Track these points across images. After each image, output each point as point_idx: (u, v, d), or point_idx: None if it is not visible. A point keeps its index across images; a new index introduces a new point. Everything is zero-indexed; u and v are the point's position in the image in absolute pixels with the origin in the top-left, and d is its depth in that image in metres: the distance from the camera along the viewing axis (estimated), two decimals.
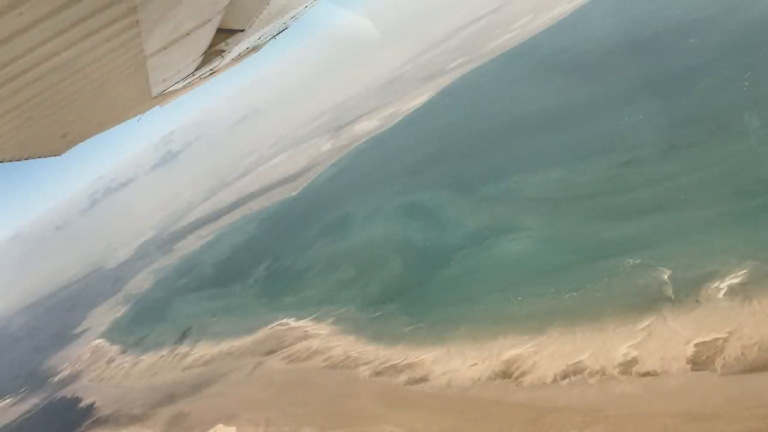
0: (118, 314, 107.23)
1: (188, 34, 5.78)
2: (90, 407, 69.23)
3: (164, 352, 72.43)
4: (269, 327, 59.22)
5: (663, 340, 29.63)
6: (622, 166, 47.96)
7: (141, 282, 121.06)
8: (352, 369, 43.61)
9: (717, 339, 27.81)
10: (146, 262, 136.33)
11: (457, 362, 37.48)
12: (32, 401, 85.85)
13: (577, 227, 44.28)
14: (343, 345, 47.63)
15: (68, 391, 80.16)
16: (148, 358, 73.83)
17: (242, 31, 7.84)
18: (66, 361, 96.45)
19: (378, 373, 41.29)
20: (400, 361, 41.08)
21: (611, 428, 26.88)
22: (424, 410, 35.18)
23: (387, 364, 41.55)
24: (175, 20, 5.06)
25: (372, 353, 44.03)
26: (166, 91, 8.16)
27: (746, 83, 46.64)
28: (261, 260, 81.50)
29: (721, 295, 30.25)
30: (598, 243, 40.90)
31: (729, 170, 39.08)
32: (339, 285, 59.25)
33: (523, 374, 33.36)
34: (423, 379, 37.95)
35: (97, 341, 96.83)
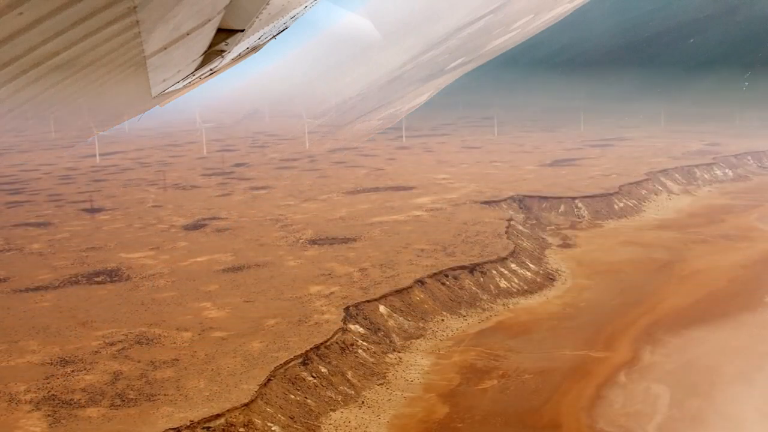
0: None
1: (188, 34, 5.76)
2: None
3: None
4: None
5: None
6: None
7: None
8: None
9: None
10: None
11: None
12: None
13: None
14: None
15: None
16: None
17: (242, 31, 7.82)
18: None
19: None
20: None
21: None
22: None
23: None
24: (175, 20, 5.05)
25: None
26: (166, 91, 8.15)
27: (746, 83, 46.68)
28: None
29: None
30: None
31: None
32: None
33: None
34: None
35: None
